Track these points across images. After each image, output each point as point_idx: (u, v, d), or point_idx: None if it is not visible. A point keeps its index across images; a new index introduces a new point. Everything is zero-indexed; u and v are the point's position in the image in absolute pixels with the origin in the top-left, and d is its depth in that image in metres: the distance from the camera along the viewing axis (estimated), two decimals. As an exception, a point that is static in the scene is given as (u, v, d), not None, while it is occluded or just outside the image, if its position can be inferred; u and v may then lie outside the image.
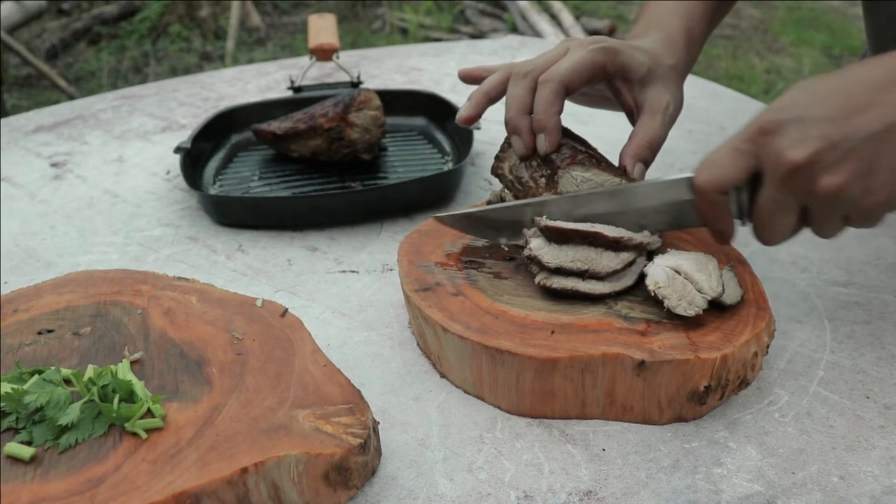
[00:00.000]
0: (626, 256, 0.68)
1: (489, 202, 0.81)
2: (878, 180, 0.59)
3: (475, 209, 0.76)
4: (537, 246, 0.69)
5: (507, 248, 0.76)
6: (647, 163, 0.76)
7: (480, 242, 0.77)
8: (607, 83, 0.80)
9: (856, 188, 0.59)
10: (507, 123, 0.79)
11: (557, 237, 0.69)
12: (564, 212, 0.72)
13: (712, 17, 0.90)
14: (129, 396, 0.57)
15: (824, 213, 0.62)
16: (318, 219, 0.95)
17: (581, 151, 0.76)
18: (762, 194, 0.63)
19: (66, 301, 0.71)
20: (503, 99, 0.80)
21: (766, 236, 0.66)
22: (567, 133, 0.79)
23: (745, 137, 0.63)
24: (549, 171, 0.75)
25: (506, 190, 0.79)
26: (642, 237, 0.70)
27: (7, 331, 0.68)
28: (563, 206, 0.72)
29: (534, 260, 0.69)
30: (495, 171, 0.80)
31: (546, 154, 0.76)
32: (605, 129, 1.01)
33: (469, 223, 0.76)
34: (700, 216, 0.68)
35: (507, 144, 0.80)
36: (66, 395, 0.57)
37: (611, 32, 4.59)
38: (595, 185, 0.74)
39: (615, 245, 0.68)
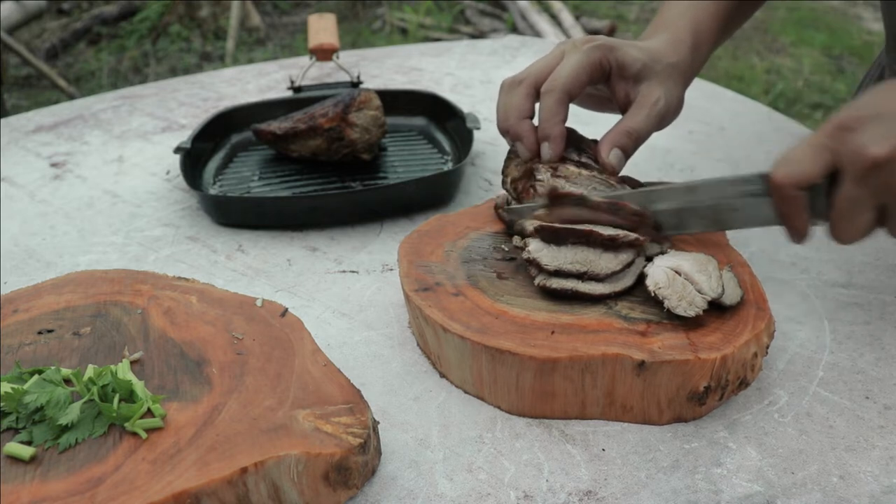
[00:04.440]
0: (624, 257, 0.68)
1: (496, 206, 0.81)
2: None
3: (528, 205, 0.75)
4: (536, 248, 0.69)
5: (507, 249, 0.76)
6: (624, 150, 0.76)
7: (481, 242, 0.78)
8: (605, 81, 0.80)
9: None
10: (507, 131, 0.78)
11: (553, 237, 0.69)
12: (640, 206, 0.71)
13: (726, 20, 0.89)
14: (129, 396, 0.57)
15: None
16: (318, 219, 0.95)
17: (571, 160, 0.76)
18: (840, 191, 0.63)
19: (66, 301, 0.71)
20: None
21: (842, 235, 0.65)
22: (572, 136, 0.80)
23: (824, 134, 0.63)
24: (530, 184, 0.76)
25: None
26: (638, 233, 0.69)
27: (7, 331, 0.68)
28: (637, 199, 0.71)
29: (533, 263, 0.69)
30: (503, 185, 0.81)
31: (552, 161, 0.76)
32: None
33: (528, 212, 0.75)
34: (776, 213, 0.67)
35: (507, 159, 0.81)
36: (66, 395, 0.58)
37: (611, 32, 4.60)
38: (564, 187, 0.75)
39: (612, 244, 0.68)
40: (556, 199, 0.69)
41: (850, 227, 0.64)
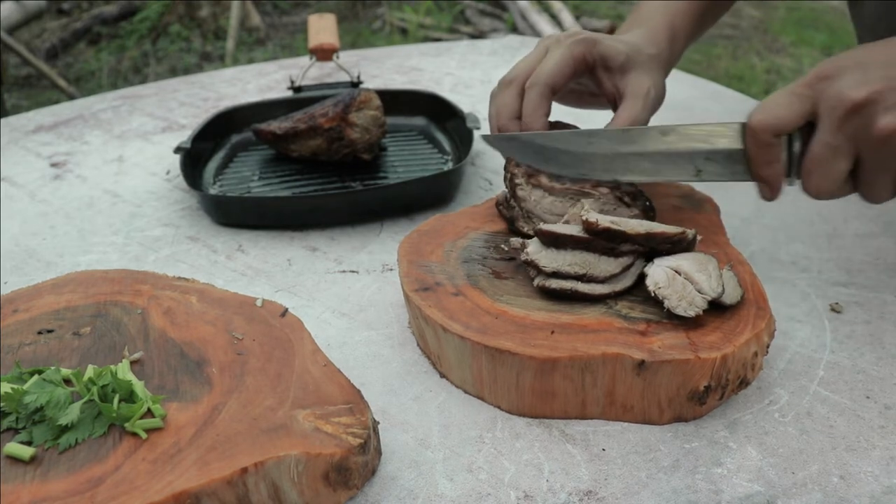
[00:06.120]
0: (623, 261, 0.68)
1: (497, 202, 0.82)
2: None
3: (523, 133, 0.75)
4: (534, 250, 0.69)
5: (507, 249, 0.76)
6: None
7: (481, 242, 0.78)
8: (590, 75, 0.81)
9: None
10: (498, 131, 0.79)
11: (553, 242, 0.69)
12: (614, 145, 0.70)
13: (701, 16, 0.91)
14: (129, 396, 0.57)
15: (878, 163, 0.61)
16: (318, 219, 0.95)
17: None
18: (816, 139, 0.62)
19: (66, 301, 0.71)
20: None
21: (816, 185, 0.65)
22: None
23: (803, 83, 0.63)
24: (512, 184, 0.78)
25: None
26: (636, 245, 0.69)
27: (7, 331, 0.68)
28: (613, 138, 0.71)
29: (531, 264, 0.69)
30: (504, 180, 0.81)
31: None
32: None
33: (514, 146, 0.76)
34: (749, 162, 0.67)
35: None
36: (66, 395, 0.57)
37: (610, 32, 4.59)
38: (542, 196, 0.76)
39: (611, 251, 0.68)
40: (594, 232, 0.68)
41: (824, 178, 0.64)
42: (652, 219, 0.76)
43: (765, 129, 0.64)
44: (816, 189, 0.65)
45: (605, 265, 0.68)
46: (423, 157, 1.10)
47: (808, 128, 0.64)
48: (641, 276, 0.68)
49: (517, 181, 0.77)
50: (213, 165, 1.10)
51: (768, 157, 0.66)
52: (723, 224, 0.80)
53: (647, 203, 0.76)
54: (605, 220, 0.67)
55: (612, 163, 0.72)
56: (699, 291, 0.64)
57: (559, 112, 0.91)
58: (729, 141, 0.68)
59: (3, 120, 1.36)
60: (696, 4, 0.90)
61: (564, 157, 0.73)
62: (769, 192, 0.68)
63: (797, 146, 0.65)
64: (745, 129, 0.66)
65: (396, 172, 1.06)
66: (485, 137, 0.79)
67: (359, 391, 0.60)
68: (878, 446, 0.61)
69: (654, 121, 0.80)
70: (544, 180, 0.76)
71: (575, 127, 0.81)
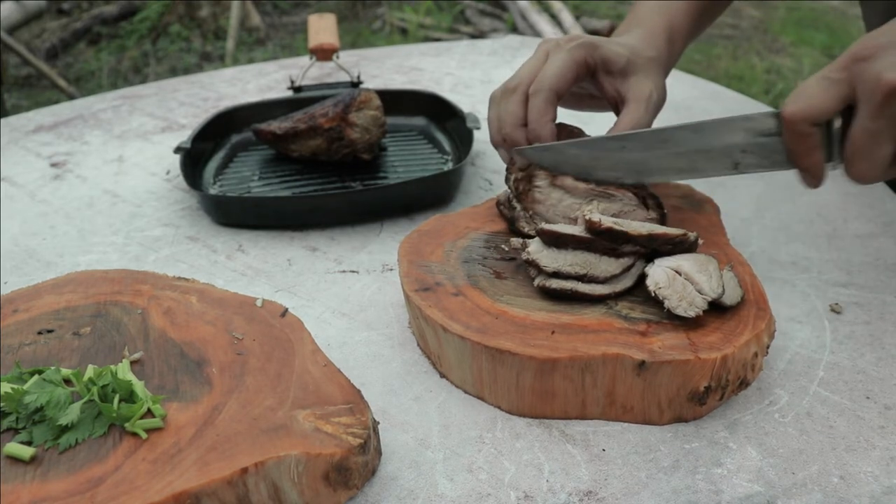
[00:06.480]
0: (624, 261, 0.68)
1: (498, 202, 0.82)
2: None
3: (556, 143, 0.75)
4: (535, 250, 0.69)
5: (507, 249, 0.76)
6: None
7: (481, 242, 0.78)
8: (591, 78, 0.81)
9: None
10: (503, 140, 0.79)
11: (554, 241, 0.69)
12: (647, 146, 0.70)
13: (699, 15, 0.91)
14: (129, 396, 0.57)
15: None
16: (318, 219, 0.95)
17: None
18: (856, 124, 0.60)
19: (66, 301, 0.71)
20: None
21: (861, 171, 0.62)
22: (574, 133, 0.80)
23: (837, 66, 0.61)
24: (528, 188, 0.77)
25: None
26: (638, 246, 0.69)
27: (7, 331, 0.68)
28: (646, 139, 0.70)
29: (532, 264, 0.69)
30: (506, 181, 0.81)
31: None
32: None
33: (549, 156, 0.75)
34: (787, 153, 0.65)
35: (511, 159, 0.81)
36: (66, 395, 0.57)
37: (610, 32, 4.60)
38: (562, 198, 0.76)
39: (612, 251, 0.68)
40: (596, 232, 0.68)
41: (868, 164, 0.61)
42: (664, 223, 0.76)
43: (801, 119, 0.62)
44: (861, 175, 0.62)
45: (605, 265, 0.68)
46: (423, 157, 1.10)
47: (847, 110, 0.61)
48: (642, 277, 0.68)
49: (537, 184, 0.77)
50: (213, 165, 1.10)
51: (807, 147, 0.63)
52: (723, 224, 0.80)
53: (664, 212, 0.76)
54: (607, 221, 0.67)
55: (646, 164, 0.71)
56: (699, 292, 0.64)
57: (559, 115, 0.91)
58: (765, 131, 0.65)
59: (3, 120, 1.36)
60: (694, 4, 0.90)
61: (599, 162, 0.73)
62: (812, 180, 0.66)
63: (837, 130, 0.62)
64: (781, 119, 0.64)
65: (396, 172, 1.06)
66: (518, 151, 0.78)
67: (359, 391, 0.60)
68: (878, 446, 0.61)
69: (656, 123, 0.80)
70: (569, 181, 0.76)
71: (580, 129, 0.81)
